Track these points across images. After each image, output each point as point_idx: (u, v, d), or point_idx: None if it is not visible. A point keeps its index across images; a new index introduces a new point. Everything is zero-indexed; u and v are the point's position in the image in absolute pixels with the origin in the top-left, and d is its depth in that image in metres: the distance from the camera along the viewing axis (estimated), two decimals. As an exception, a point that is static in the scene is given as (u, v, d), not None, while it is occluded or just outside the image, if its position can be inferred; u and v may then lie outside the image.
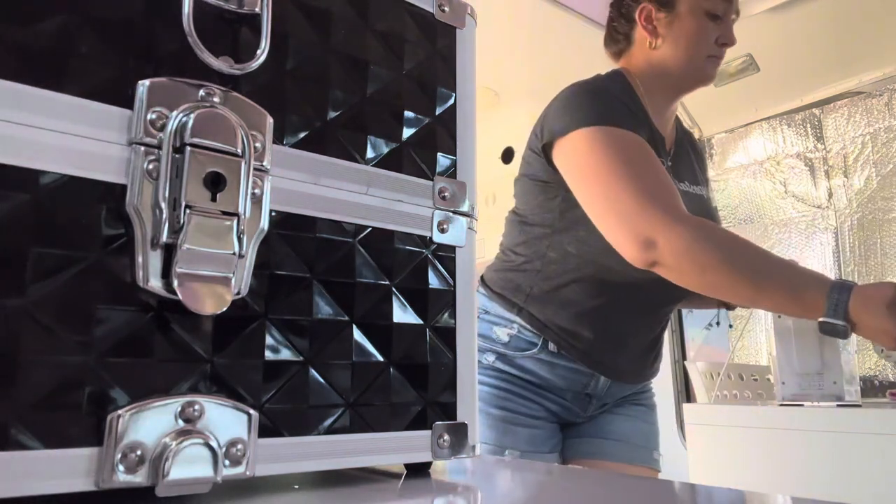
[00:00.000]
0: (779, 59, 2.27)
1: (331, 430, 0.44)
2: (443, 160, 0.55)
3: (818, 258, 2.46)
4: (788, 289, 0.86)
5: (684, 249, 0.87)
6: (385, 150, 0.51)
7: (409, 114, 0.53)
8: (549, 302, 1.07)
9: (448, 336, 0.52)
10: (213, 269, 0.39)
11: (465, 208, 0.55)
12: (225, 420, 0.39)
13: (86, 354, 0.35)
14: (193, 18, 0.41)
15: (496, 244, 1.19)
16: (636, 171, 0.93)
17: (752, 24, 2.06)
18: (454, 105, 0.56)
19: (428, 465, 0.52)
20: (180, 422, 0.37)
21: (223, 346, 0.40)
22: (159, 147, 0.39)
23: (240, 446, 0.39)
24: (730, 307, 1.28)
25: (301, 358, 0.44)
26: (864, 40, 2.16)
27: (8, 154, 0.34)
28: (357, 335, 0.47)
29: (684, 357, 3.01)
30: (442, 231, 0.53)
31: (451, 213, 0.54)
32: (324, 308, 0.45)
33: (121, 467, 0.35)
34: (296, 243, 0.45)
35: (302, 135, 0.46)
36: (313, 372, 0.44)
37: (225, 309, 0.39)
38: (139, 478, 0.35)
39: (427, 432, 0.50)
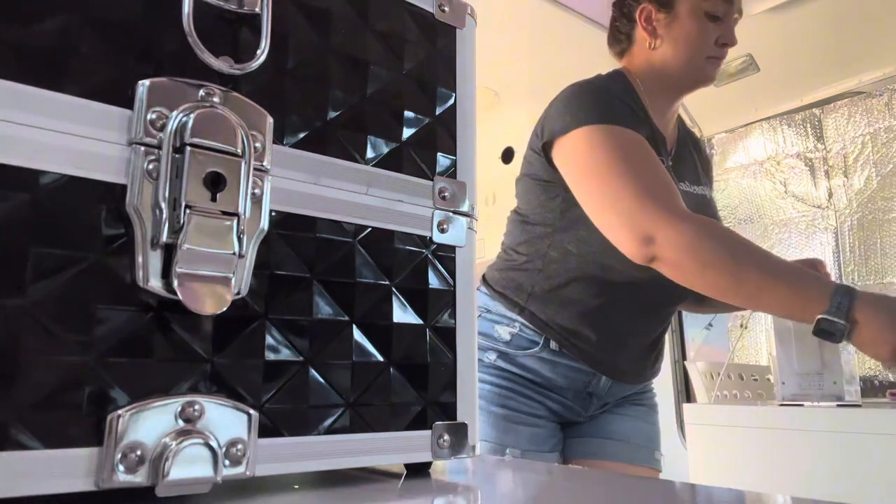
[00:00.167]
0: (779, 59, 2.26)
1: (331, 430, 0.44)
2: (443, 160, 0.55)
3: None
4: (791, 287, 0.85)
5: (685, 246, 0.87)
6: (385, 150, 0.51)
7: (409, 114, 0.53)
8: (550, 301, 1.07)
9: (448, 336, 0.52)
10: (213, 269, 0.39)
11: (465, 208, 0.55)
12: (225, 420, 0.39)
13: (86, 354, 0.35)
14: (193, 18, 0.41)
15: (496, 244, 1.20)
16: (636, 169, 0.93)
17: (752, 24, 2.06)
18: (454, 105, 0.56)
19: (428, 465, 0.52)
20: (180, 422, 0.37)
21: (223, 346, 0.40)
22: (159, 147, 0.39)
23: (240, 446, 0.39)
24: (737, 310, 1.28)
25: (301, 358, 0.44)
26: (864, 40, 2.16)
27: (8, 154, 0.34)
28: (357, 335, 0.47)
29: (684, 357, 3.01)
30: (442, 231, 0.53)
31: (451, 213, 0.54)
32: (324, 308, 0.45)
33: (121, 467, 0.35)
34: (296, 243, 0.45)
35: (302, 135, 0.46)
36: (313, 372, 0.44)
37: (225, 309, 0.39)
38: (139, 478, 0.35)
39: (427, 432, 0.50)
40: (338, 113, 0.48)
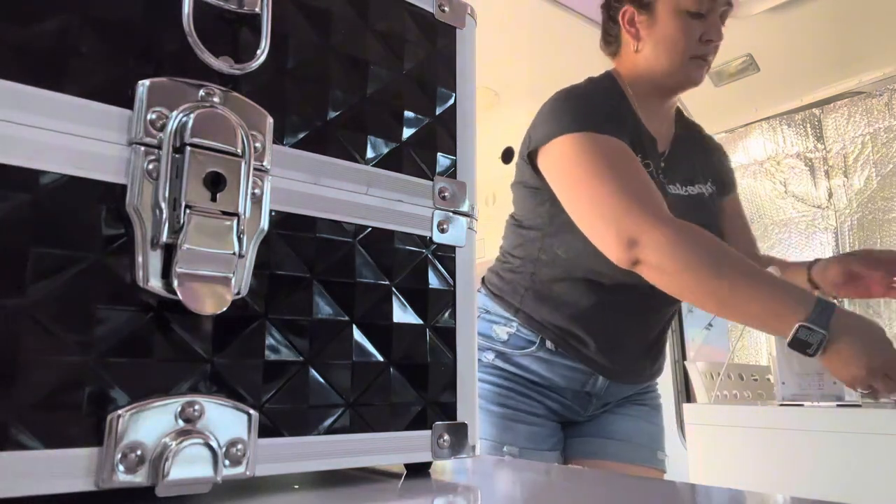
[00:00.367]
0: (779, 59, 2.26)
1: (331, 430, 0.44)
2: (443, 160, 0.55)
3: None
4: (771, 294, 0.84)
5: (666, 249, 0.87)
6: (385, 150, 0.51)
7: (409, 114, 0.53)
8: (543, 302, 1.09)
9: (448, 336, 0.52)
10: (213, 269, 0.39)
11: (465, 208, 0.55)
12: (225, 420, 0.39)
13: (86, 354, 0.35)
14: (193, 18, 0.41)
15: (496, 244, 1.21)
16: (619, 175, 0.94)
17: (752, 24, 2.06)
18: (454, 105, 0.56)
19: (428, 465, 0.52)
20: (180, 422, 0.37)
21: (223, 346, 0.40)
22: (159, 147, 0.39)
23: (240, 446, 0.39)
24: None
25: (301, 358, 0.44)
26: (864, 40, 2.16)
27: (8, 154, 0.34)
28: (357, 335, 0.47)
29: (684, 357, 3.01)
30: (442, 231, 0.53)
31: (451, 213, 0.54)
32: (324, 308, 0.45)
33: (121, 467, 0.35)
34: (296, 243, 0.45)
35: (302, 135, 0.46)
36: (313, 372, 0.44)
37: (225, 309, 0.39)
38: (139, 478, 0.35)
39: (427, 432, 0.50)
40: (338, 113, 0.48)
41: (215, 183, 0.40)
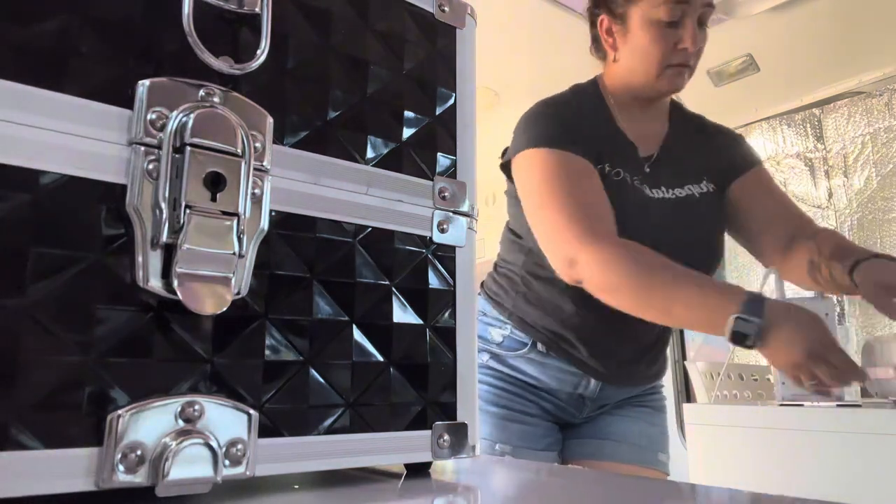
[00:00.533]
0: (779, 59, 2.27)
1: (331, 430, 0.44)
2: (443, 160, 0.55)
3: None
4: (701, 294, 0.86)
5: (600, 267, 0.91)
6: (385, 150, 0.51)
7: (409, 114, 0.53)
8: (534, 307, 1.11)
9: (448, 336, 0.52)
10: (213, 269, 0.39)
11: (465, 208, 0.55)
12: (225, 420, 0.39)
13: (86, 354, 0.35)
14: (193, 18, 0.41)
15: (496, 244, 1.23)
16: (567, 193, 0.96)
17: (752, 24, 2.06)
18: (454, 105, 0.56)
19: (428, 465, 0.52)
20: (180, 422, 0.37)
21: (223, 346, 0.40)
22: (159, 147, 0.39)
23: (240, 446, 0.39)
24: None
25: (301, 358, 0.44)
26: (865, 40, 2.16)
27: (8, 154, 0.34)
28: (357, 335, 0.47)
29: (684, 357, 3.01)
30: (442, 231, 0.53)
31: (451, 213, 0.54)
32: (324, 308, 0.45)
33: (121, 467, 0.35)
34: (296, 243, 0.45)
35: (302, 135, 0.46)
36: (313, 372, 0.44)
37: (225, 309, 0.39)
38: (139, 478, 0.35)
39: (427, 432, 0.50)
40: (338, 113, 0.48)
41: (215, 183, 0.40)
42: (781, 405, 1.34)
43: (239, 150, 0.41)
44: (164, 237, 0.38)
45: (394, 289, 0.50)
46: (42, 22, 0.36)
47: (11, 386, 0.33)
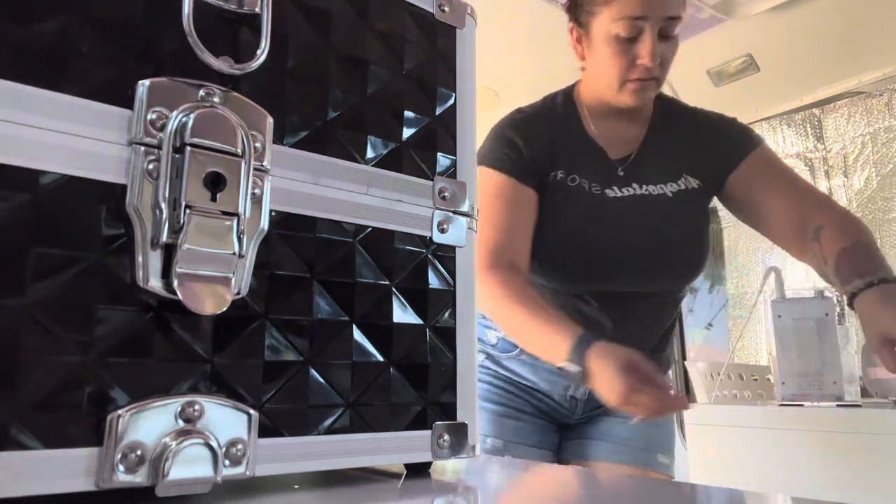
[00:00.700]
0: (779, 59, 2.27)
1: (331, 430, 0.44)
2: (443, 160, 0.55)
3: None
4: (545, 335, 0.95)
5: (486, 293, 0.98)
6: (385, 150, 0.51)
7: (409, 114, 0.53)
8: None
9: (448, 336, 0.52)
10: (213, 269, 0.39)
11: (465, 208, 0.55)
12: (225, 420, 0.39)
13: (86, 354, 0.35)
14: (193, 18, 0.41)
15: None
16: (500, 217, 1.04)
17: (752, 24, 2.06)
18: (454, 105, 0.56)
19: (428, 465, 0.52)
20: (180, 422, 0.37)
21: (223, 346, 0.40)
22: (159, 147, 0.39)
23: (240, 446, 0.39)
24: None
25: (301, 358, 0.44)
26: (865, 40, 2.16)
27: (8, 154, 0.34)
28: (357, 335, 0.47)
29: (684, 357, 3.01)
30: (442, 231, 0.53)
31: (451, 213, 0.54)
32: (324, 308, 0.45)
33: (121, 467, 0.35)
34: (296, 243, 0.45)
35: (302, 135, 0.46)
36: (313, 372, 0.44)
37: (225, 309, 0.39)
38: (139, 478, 0.35)
39: (427, 432, 0.50)
40: (338, 113, 0.48)
41: (215, 183, 0.40)
42: (781, 405, 1.34)
43: (239, 150, 0.41)
44: (164, 237, 0.38)
45: (394, 289, 0.50)
46: (42, 22, 0.36)
47: (11, 386, 0.33)
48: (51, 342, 0.34)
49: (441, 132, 0.55)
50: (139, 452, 0.35)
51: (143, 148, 0.38)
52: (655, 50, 0.99)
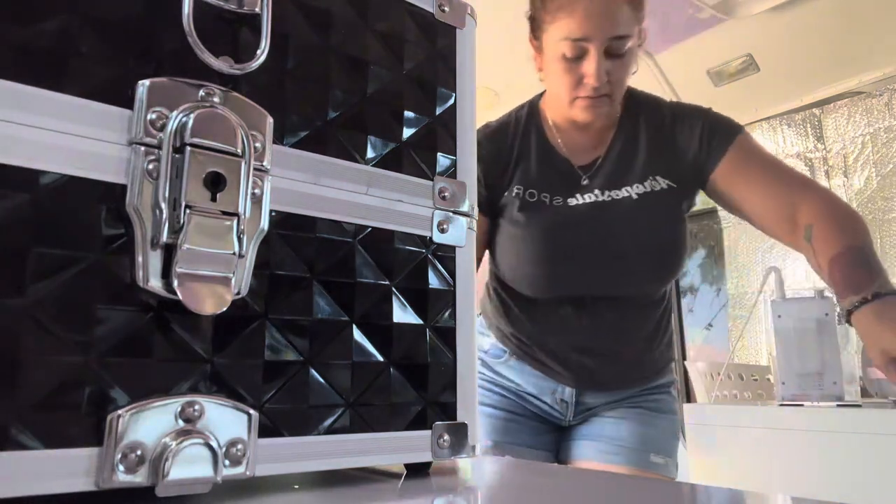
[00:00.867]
0: (779, 59, 2.27)
1: (331, 430, 0.44)
2: (443, 160, 0.55)
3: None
4: None
5: None
6: (385, 150, 0.51)
7: (409, 114, 0.53)
8: (503, 317, 1.18)
9: (448, 336, 0.52)
10: (213, 269, 0.39)
11: (465, 208, 0.55)
12: (225, 420, 0.39)
13: (86, 354, 0.35)
14: (193, 18, 0.41)
15: (495, 244, 1.27)
16: None
17: (752, 24, 2.06)
18: (454, 105, 0.56)
19: (428, 465, 0.52)
20: (180, 422, 0.37)
21: (223, 346, 0.40)
22: (159, 147, 0.39)
23: (240, 446, 0.39)
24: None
25: (301, 358, 0.44)
26: (865, 40, 2.16)
27: (8, 154, 0.34)
28: (357, 335, 0.47)
29: (684, 357, 3.02)
30: (442, 231, 0.53)
31: (451, 213, 0.54)
32: (324, 308, 0.45)
33: (121, 467, 0.35)
34: (296, 243, 0.45)
35: (302, 135, 0.46)
36: (313, 372, 0.44)
37: (225, 309, 0.39)
38: (139, 478, 0.35)
39: (427, 432, 0.50)
40: (338, 113, 0.48)
41: (215, 183, 0.40)
42: (781, 405, 1.34)
43: (239, 150, 0.41)
44: (164, 237, 0.38)
45: (394, 289, 0.50)
46: (42, 22, 0.36)
47: (11, 386, 0.33)
48: (51, 342, 0.34)
49: (441, 132, 0.55)
50: (139, 452, 0.35)
51: (143, 148, 0.38)
52: (600, 69, 0.98)
